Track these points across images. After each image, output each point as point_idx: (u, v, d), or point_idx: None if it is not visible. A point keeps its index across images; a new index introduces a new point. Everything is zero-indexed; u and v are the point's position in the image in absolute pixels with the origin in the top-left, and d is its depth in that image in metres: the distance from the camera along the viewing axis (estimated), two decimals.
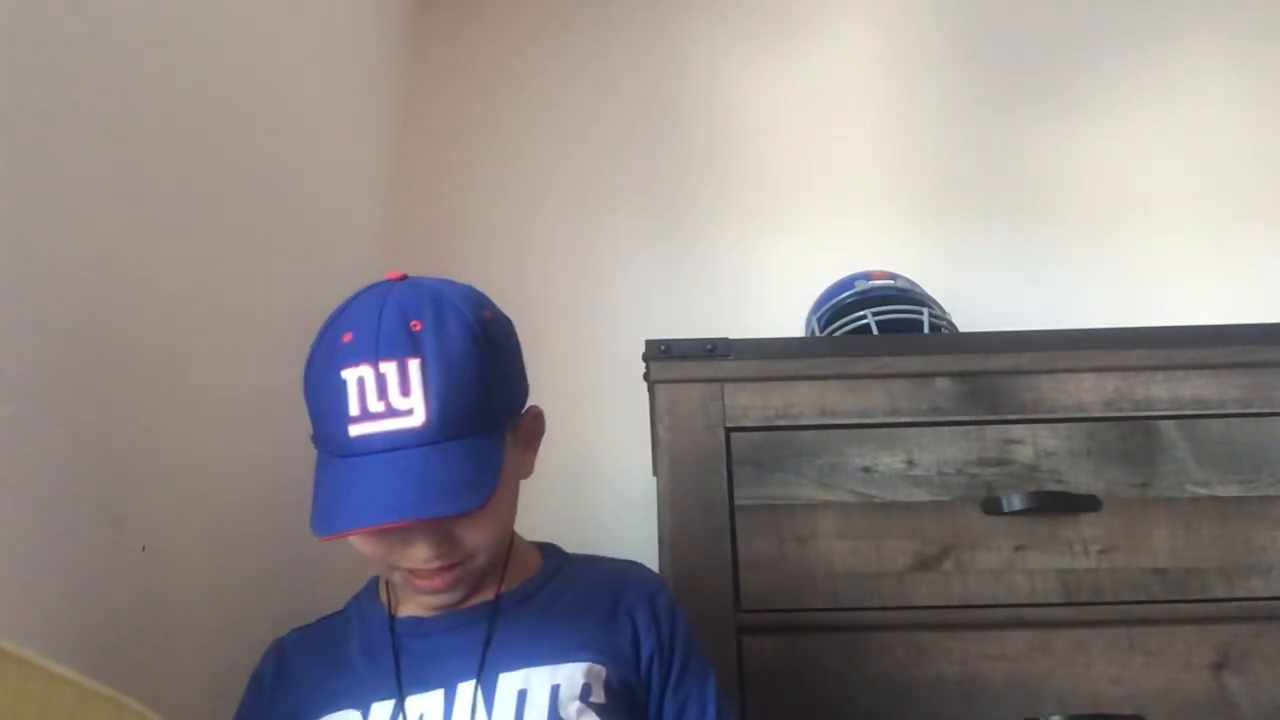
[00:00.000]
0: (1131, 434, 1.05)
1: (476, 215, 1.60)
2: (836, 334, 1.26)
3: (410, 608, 0.76)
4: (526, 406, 0.77)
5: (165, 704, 0.64)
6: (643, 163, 1.64)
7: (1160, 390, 1.07)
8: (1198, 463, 1.04)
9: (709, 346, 1.08)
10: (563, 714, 0.67)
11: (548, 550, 0.84)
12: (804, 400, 1.06)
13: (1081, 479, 1.03)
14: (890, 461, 1.04)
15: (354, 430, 0.65)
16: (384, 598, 0.78)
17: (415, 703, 0.69)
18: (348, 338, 0.67)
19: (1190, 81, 1.70)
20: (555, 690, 0.69)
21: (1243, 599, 0.98)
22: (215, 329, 0.89)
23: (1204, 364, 1.07)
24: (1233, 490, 1.02)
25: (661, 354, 1.08)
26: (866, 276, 1.33)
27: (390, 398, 0.65)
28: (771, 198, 1.62)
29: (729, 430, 1.05)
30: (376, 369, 0.65)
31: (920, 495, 1.03)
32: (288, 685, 0.75)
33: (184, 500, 0.82)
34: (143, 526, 0.75)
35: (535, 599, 0.76)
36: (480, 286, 1.50)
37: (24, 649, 0.40)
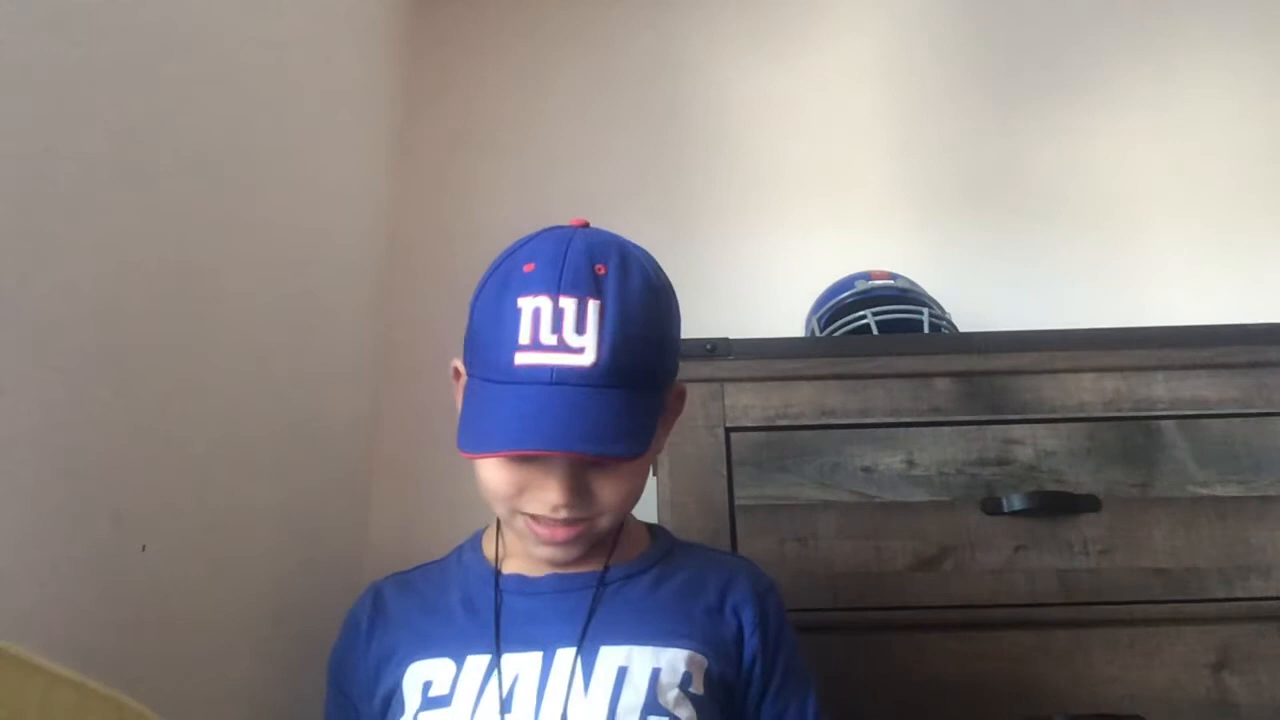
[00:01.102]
0: (1131, 434, 1.05)
1: (476, 215, 1.60)
2: (836, 334, 1.26)
3: (516, 564, 0.75)
4: (675, 382, 0.77)
5: (165, 704, 0.64)
6: (642, 162, 1.65)
7: (1160, 390, 1.07)
8: (1197, 463, 1.04)
9: (709, 346, 1.08)
10: (661, 699, 0.66)
11: (656, 531, 0.82)
12: (804, 400, 1.06)
13: (1081, 479, 1.03)
14: (890, 461, 1.04)
15: (520, 358, 0.65)
16: (489, 551, 0.77)
17: (512, 661, 0.68)
18: (529, 267, 0.67)
19: (1191, 82, 1.70)
20: (656, 674, 0.67)
21: (1243, 599, 0.98)
22: (215, 327, 0.89)
23: (1204, 364, 1.07)
24: (1232, 490, 1.02)
25: None
26: (866, 276, 1.33)
27: (564, 333, 0.64)
28: (771, 197, 1.62)
29: (729, 430, 1.05)
30: (556, 302, 0.65)
31: (920, 495, 1.03)
32: (384, 627, 0.75)
33: (184, 500, 0.82)
34: (143, 526, 0.75)
35: (643, 577, 0.75)
36: (478, 285, 1.49)
37: (24, 649, 0.40)
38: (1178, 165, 1.64)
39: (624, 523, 0.77)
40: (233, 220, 0.93)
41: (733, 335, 1.09)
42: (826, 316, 1.30)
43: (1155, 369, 1.07)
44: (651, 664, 0.68)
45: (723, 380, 1.06)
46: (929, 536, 1.01)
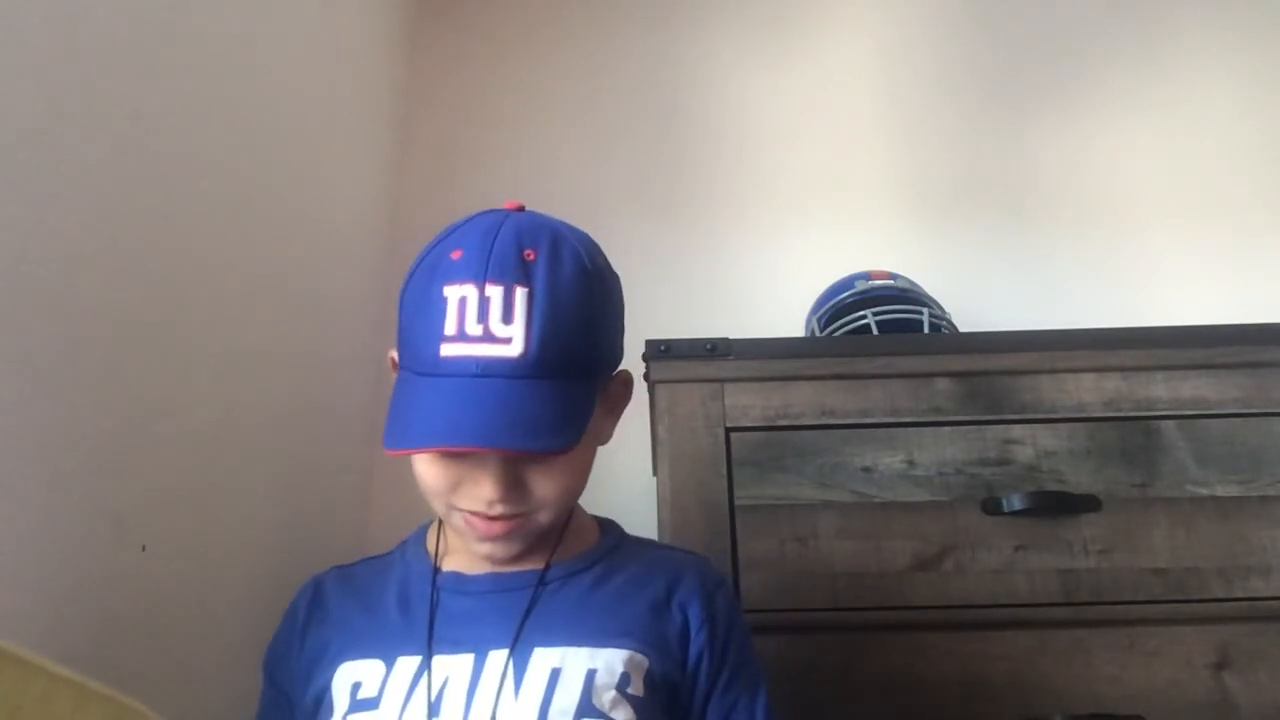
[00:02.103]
0: (1131, 434, 1.05)
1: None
2: (836, 334, 1.26)
3: (455, 562, 0.74)
4: (618, 370, 0.75)
5: (165, 704, 0.64)
6: (643, 163, 1.65)
7: (1160, 390, 1.07)
8: (1197, 463, 1.04)
9: (709, 346, 1.08)
10: (595, 701, 0.64)
11: (606, 525, 0.80)
12: (804, 400, 1.06)
13: (1081, 479, 1.03)
14: (890, 461, 1.04)
15: (445, 350, 0.63)
16: (431, 547, 0.76)
17: (442, 663, 0.67)
18: (456, 254, 0.65)
19: (1191, 82, 1.70)
20: (591, 675, 0.65)
21: (1243, 599, 0.98)
22: (215, 327, 0.89)
23: (1204, 364, 1.07)
24: (1232, 490, 1.02)
25: (661, 354, 1.08)
26: (866, 276, 1.33)
27: (490, 322, 0.62)
28: (772, 197, 1.62)
29: (729, 430, 1.05)
30: (481, 290, 0.63)
31: (920, 495, 1.03)
32: (320, 622, 0.74)
33: (184, 500, 0.82)
34: (143, 526, 0.75)
35: (585, 575, 0.73)
36: None
37: (24, 649, 0.40)
38: (1177, 165, 1.64)
39: (571, 518, 0.75)
40: (233, 220, 0.93)
41: (733, 335, 1.09)
42: (826, 316, 1.30)
43: (1155, 369, 1.07)
44: (587, 665, 0.66)
45: (723, 380, 1.06)
46: (929, 536, 1.01)
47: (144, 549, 0.74)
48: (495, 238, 0.66)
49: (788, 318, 1.42)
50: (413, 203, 1.60)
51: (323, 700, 0.70)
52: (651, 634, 0.70)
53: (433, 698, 0.65)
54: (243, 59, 0.96)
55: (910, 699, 0.95)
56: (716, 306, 1.51)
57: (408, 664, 0.67)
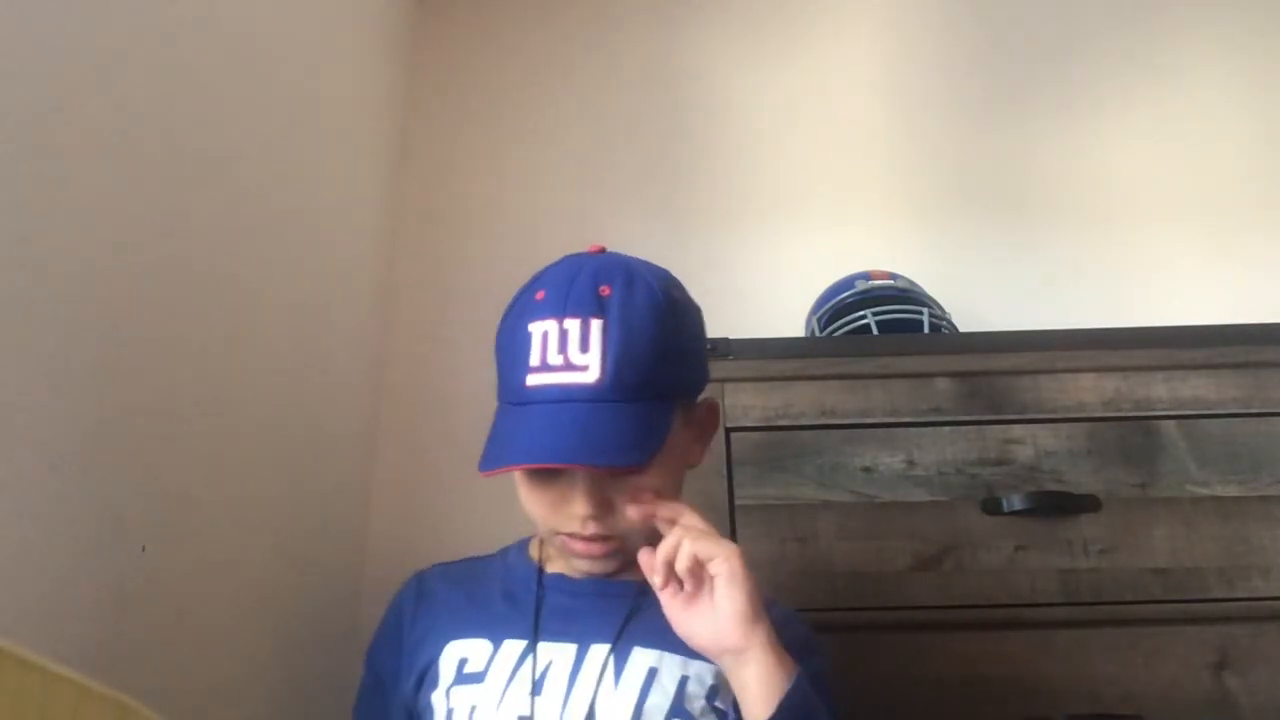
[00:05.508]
0: (1131, 434, 1.05)
1: (476, 215, 1.60)
2: (836, 334, 1.26)
3: (559, 566, 0.78)
4: (703, 398, 0.79)
5: (165, 704, 0.64)
6: (643, 163, 1.65)
7: (1160, 390, 1.07)
8: (1197, 463, 1.04)
9: (709, 346, 1.07)
10: (687, 705, 0.69)
11: None
12: (804, 400, 1.06)
13: (1081, 479, 1.03)
14: (890, 461, 1.04)
15: (530, 380, 0.68)
16: (534, 554, 0.81)
17: (547, 649, 0.72)
18: (540, 295, 0.71)
19: (1190, 82, 1.70)
20: (684, 681, 0.70)
21: (1243, 599, 0.98)
22: (215, 328, 0.89)
23: (1204, 364, 1.07)
24: (1232, 490, 1.02)
25: None
26: (866, 276, 1.33)
27: (569, 353, 0.68)
28: (772, 198, 1.62)
29: (729, 430, 1.05)
30: (561, 324, 0.68)
31: (920, 495, 1.03)
32: (426, 609, 0.79)
33: (184, 500, 0.82)
34: (143, 526, 0.75)
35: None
36: (480, 286, 1.51)
37: (24, 649, 0.40)
38: (1177, 165, 1.64)
39: None
40: (234, 223, 0.93)
41: (733, 335, 1.09)
42: (826, 316, 1.30)
43: (1155, 369, 1.07)
44: (681, 671, 0.71)
45: (723, 380, 1.06)
46: (929, 536, 1.01)
47: (144, 549, 0.74)
48: (575, 277, 0.71)
49: (788, 318, 1.42)
50: (413, 202, 1.60)
51: (426, 675, 0.74)
52: None
53: (536, 677, 0.70)
54: (242, 59, 0.96)
55: (910, 699, 0.95)
56: (716, 306, 1.50)
57: (513, 646, 0.72)
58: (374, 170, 1.46)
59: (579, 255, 0.76)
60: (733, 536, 1.00)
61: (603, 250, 0.77)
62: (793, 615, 0.80)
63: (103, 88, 0.70)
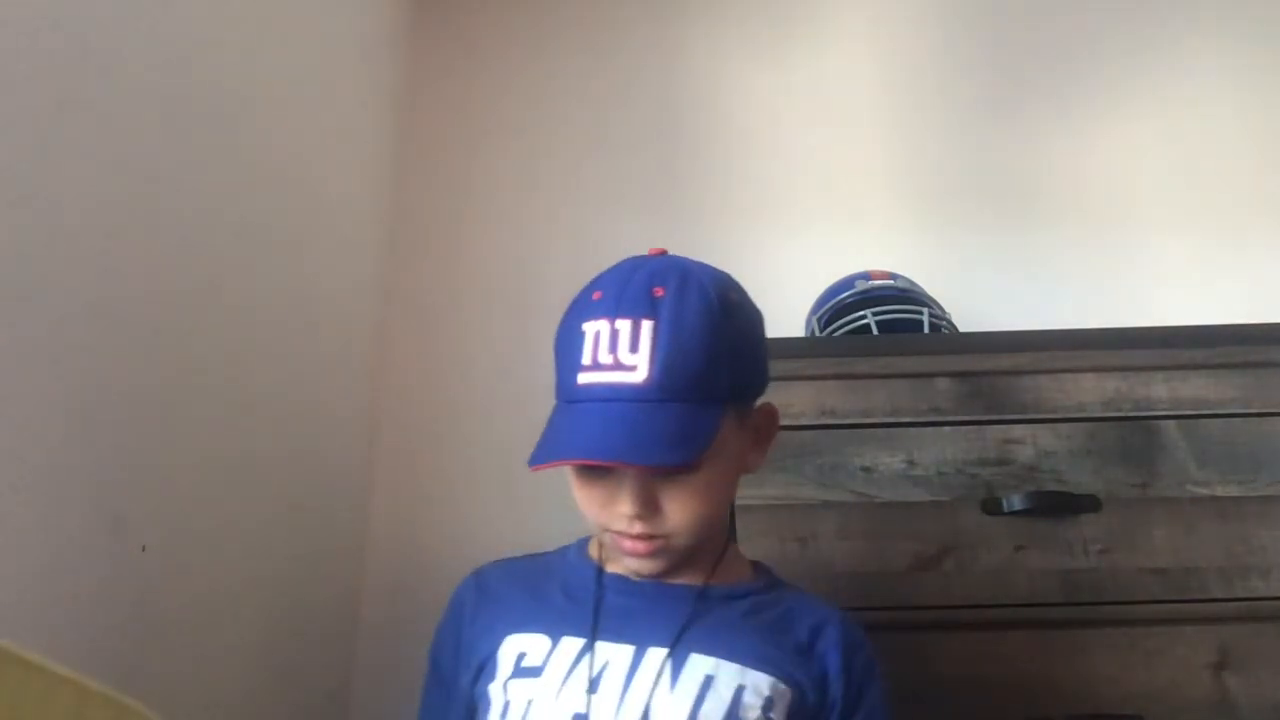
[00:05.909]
0: (1131, 434, 1.05)
1: (476, 215, 1.60)
2: (836, 334, 1.26)
3: (617, 567, 0.78)
4: (761, 403, 0.79)
5: (165, 704, 0.64)
6: (643, 164, 1.64)
7: (1160, 390, 1.07)
8: (1197, 463, 1.04)
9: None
10: (742, 715, 0.69)
11: (761, 567, 0.84)
12: (804, 400, 1.06)
13: (1081, 479, 1.03)
14: (890, 461, 1.04)
15: (582, 378, 0.69)
16: (594, 553, 0.81)
17: (604, 648, 0.72)
18: (597, 295, 0.72)
19: (1190, 82, 1.70)
20: (740, 691, 0.70)
21: (1243, 599, 0.98)
22: (216, 328, 0.89)
23: (1204, 364, 1.07)
24: (1232, 490, 1.02)
25: None
26: (866, 276, 1.33)
27: (619, 352, 0.68)
28: (772, 198, 1.62)
29: None
30: (613, 324, 0.69)
31: (920, 495, 1.03)
32: (486, 603, 0.79)
33: (184, 500, 0.82)
34: (143, 526, 0.75)
35: (741, 602, 0.77)
36: (480, 287, 1.51)
37: (24, 649, 0.40)
38: (1178, 166, 1.64)
39: (726, 550, 0.80)
40: (234, 222, 0.93)
41: None
42: (826, 316, 1.30)
43: (1155, 369, 1.07)
44: (737, 681, 0.70)
45: None
46: (929, 536, 1.01)
47: (144, 549, 0.74)
48: (631, 278, 0.72)
49: (788, 318, 1.42)
50: (412, 201, 1.60)
51: (485, 667, 0.75)
52: (796, 670, 0.74)
53: (593, 676, 0.70)
54: (241, 59, 0.96)
55: (910, 699, 0.95)
56: None
57: (571, 643, 0.72)
58: (373, 169, 1.46)
59: (639, 257, 0.76)
60: (733, 536, 1.00)
61: (664, 253, 0.78)
62: (861, 640, 0.80)
63: (102, 88, 0.70)
